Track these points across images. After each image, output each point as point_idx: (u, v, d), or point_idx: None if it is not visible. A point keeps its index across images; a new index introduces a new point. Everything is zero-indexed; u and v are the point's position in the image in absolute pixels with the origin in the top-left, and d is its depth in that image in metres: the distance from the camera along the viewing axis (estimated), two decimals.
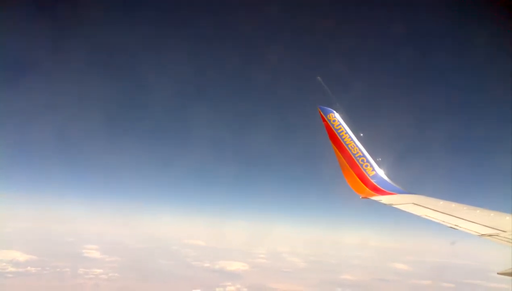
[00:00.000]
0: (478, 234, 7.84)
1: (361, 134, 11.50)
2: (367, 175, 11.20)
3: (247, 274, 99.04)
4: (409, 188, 11.09)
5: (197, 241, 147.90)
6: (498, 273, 6.97)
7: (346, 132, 11.32)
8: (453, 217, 8.63)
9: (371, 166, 11.27)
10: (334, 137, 11.39)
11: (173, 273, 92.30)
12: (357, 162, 11.26)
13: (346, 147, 11.28)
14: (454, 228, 8.28)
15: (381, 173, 11.30)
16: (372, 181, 11.16)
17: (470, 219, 8.37)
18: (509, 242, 7.21)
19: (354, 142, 11.27)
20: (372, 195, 10.91)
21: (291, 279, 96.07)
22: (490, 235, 7.64)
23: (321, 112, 11.50)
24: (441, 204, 9.53)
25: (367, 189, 11.08)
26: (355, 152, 11.26)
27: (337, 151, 11.41)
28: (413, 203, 9.83)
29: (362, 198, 11.02)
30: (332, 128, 11.37)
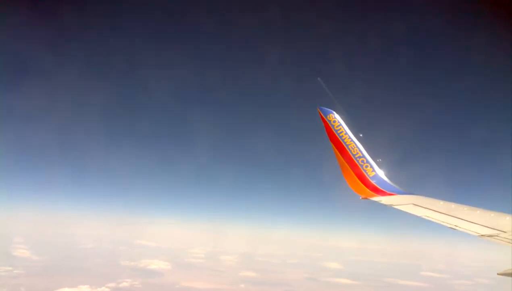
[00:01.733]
0: (478, 234, 7.84)
1: (361, 135, 11.52)
2: (367, 176, 11.21)
3: (168, 273, 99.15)
4: (409, 189, 11.10)
5: (150, 242, 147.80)
6: (498, 274, 6.97)
7: (346, 133, 11.33)
8: (453, 218, 8.63)
9: (371, 166, 11.28)
10: (334, 138, 11.40)
11: (89, 270, 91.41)
12: (357, 163, 11.27)
13: (346, 147, 11.29)
14: (454, 229, 8.29)
15: (381, 173, 11.31)
16: (372, 181, 11.16)
17: (470, 220, 8.38)
18: (509, 242, 7.21)
19: (354, 143, 11.28)
20: (372, 196, 10.92)
21: (215, 278, 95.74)
22: (490, 236, 7.65)
23: (321, 113, 11.51)
24: (441, 204, 9.54)
25: (367, 189, 11.09)
26: (355, 153, 11.27)
27: (337, 151, 11.42)
28: (413, 204, 9.84)
29: (362, 198, 11.03)
30: (332, 129, 11.38)
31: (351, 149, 11.26)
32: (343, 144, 11.30)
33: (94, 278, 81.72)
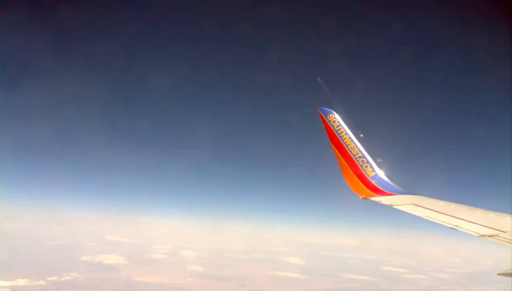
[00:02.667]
0: (478, 234, 7.85)
1: (361, 135, 11.51)
2: (367, 176, 11.22)
3: (124, 267, 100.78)
4: (409, 189, 11.10)
5: (123, 238, 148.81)
6: (498, 274, 6.98)
7: (346, 133, 11.33)
8: (453, 218, 8.64)
9: (371, 166, 11.28)
10: (334, 138, 11.41)
11: (39, 264, 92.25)
12: (357, 163, 11.28)
13: (346, 147, 11.29)
14: (454, 229, 8.29)
15: (381, 173, 11.31)
16: (372, 181, 11.17)
17: (470, 220, 8.38)
18: (509, 242, 7.22)
19: (354, 143, 11.28)
20: (372, 196, 10.92)
21: (168, 273, 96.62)
22: (490, 236, 7.65)
23: (321, 113, 11.51)
24: (441, 204, 9.53)
25: (367, 189, 11.09)
26: (355, 153, 11.27)
27: (337, 151, 11.42)
28: (413, 204, 9.84)
29: (362, 198, 11.03)
30: (332, 129, 11.39)
31: (351, 149, 11.26)
32: (343, 144, 11.31)
33: (38, 272, 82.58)
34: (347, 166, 11.35)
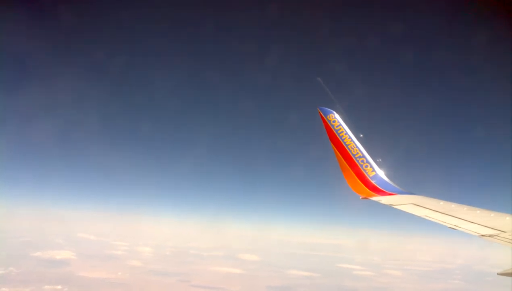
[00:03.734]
0: (478, 234, 7.85)
1: (361, 135, 11.52)
2: (367, 176, 11.21)
3: (72, 263, 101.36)
4: (409, 189, 11.10)
5: (91, 236, 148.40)
6: (498, 274, 6.98)
7: (346, 133, 11.33)
8: (453, 218, 8.63)
9: (371, 166, 11.28)
10: (334, 138, 11.41)
11: None
12: (357, 163, 11.27)
13: (346, 147, 11.29)
14: (454, 229, 8.29)
15: (381, 173, 11.31)
16: (372, 181, 11.16)
17: (470, 220, 8.38)
18: (509, 242, 7.22)
19: (354, 143, 11.28)
20: (372, 196, 10.92)
21: (118, 269, 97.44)
22: (490, 236, 7.66)
23: (321, 113, 11.51)
24: (441, 204, 9.53)
25: (367, 189, 11.09)
26: (355, 153, 11.27)
27: (337, 151, 11.42)
28: (413, 204, 9.84)
29: (362, 198, 11.03)
30: (332, 129, 11.39)
31: (351, 148, 11.26)
32: (343, 144, 11.31)
33: None
34: (347, 165, 11.35)
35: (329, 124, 11.42)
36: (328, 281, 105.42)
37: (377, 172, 11.27)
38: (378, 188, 11.04)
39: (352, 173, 11.30)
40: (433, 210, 9.19)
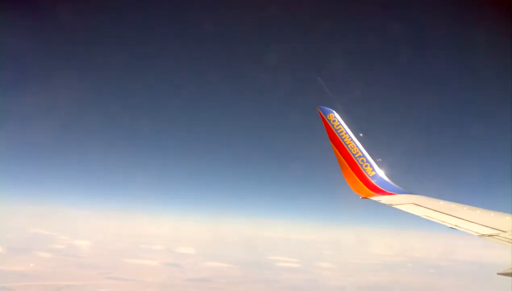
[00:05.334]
0: (478, 234, 7.84)
1: (361, 135, 11.52)
2: (367, 175, 11.20)
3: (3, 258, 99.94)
4: (409, 188, 11.09)
5: (46, 231, 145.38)
6: (498, 273, 6.96)
7: (346, 133, 11.32)
8: (453, 217, 8.63)
9: (371, 166, 11.27)
10: (334, 137, 11.40)
11: None
12: (357, 162, 11.26)
13: (346, 147, 11.28)
14: (454, 228, 8.28)
15: (381, 173, 11.30)
16: (372, 181, 11.15)
17: (470, 219, 8.38)
18: (509, 242, 7.21)
19: (354, 143, 11.27)
20: (372, 195, 10.91)
21: (45, 262, 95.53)
22: (490, 235, 7.65)
23: (321, 113, 11.51)
24: (441, 204, 9.52)
25: (367, 189, 11.08)
26: (355, 152, 11.26)
27: (337, 151, 11.41)
28: (413, 203, 9.83)
29: (362, 198, 11.02)
30: (332, 128, 11.38)
31: (351, 148, 11.25)
32: (343, 144, 11.30)
33: None
34: (347, 165, 11.34)
35: (329, 123, 11.41)
36: (251, 273, 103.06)
37: (377, 172, 11.26)
38: (378, 188, 11.03)
39: (352, 172, 11.29)
40: (433, 210, 9.19)
